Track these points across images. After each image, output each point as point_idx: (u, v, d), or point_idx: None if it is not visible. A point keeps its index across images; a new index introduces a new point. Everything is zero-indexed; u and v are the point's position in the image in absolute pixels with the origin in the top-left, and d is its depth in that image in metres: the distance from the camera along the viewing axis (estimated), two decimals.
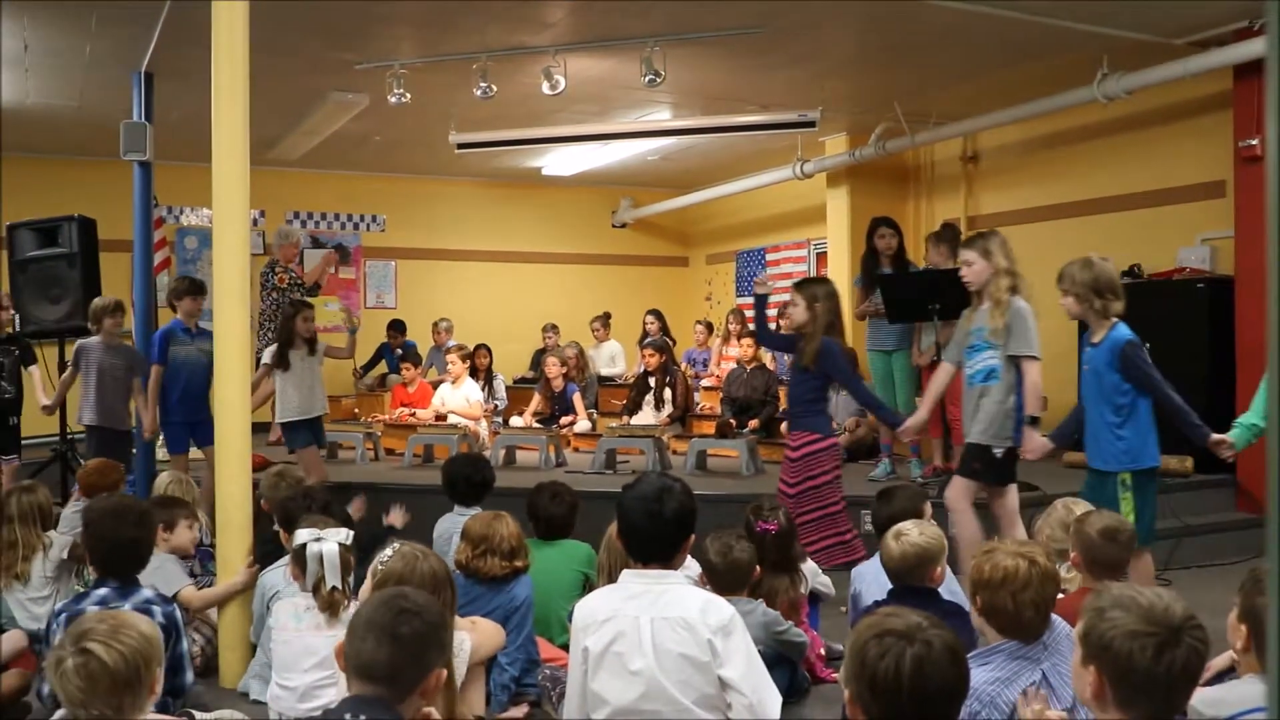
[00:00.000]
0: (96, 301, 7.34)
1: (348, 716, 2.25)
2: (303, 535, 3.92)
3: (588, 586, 4.65)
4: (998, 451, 5.15)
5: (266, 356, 7.57)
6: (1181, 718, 2.26)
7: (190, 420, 7.25)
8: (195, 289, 7.42)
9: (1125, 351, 4.83)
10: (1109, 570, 3.65)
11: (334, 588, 3.86)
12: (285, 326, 7.56)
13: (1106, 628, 2.15)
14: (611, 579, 4.11)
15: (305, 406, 7.42)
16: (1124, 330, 4.91)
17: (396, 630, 2.32)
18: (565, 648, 3.96)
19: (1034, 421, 5.13)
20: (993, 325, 5.22)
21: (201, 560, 5.35)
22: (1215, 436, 4.92)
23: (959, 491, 5.24)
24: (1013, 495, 5.24)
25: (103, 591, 3.70)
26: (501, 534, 4.26)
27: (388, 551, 3.42)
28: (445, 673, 2.46)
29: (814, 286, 5.75)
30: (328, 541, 3.86)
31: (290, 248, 9.96)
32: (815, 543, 5.50)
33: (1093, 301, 4.97)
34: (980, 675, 2.84)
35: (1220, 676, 3.78)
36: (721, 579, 4.11)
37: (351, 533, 3.95)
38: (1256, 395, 5.15)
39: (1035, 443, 5.12)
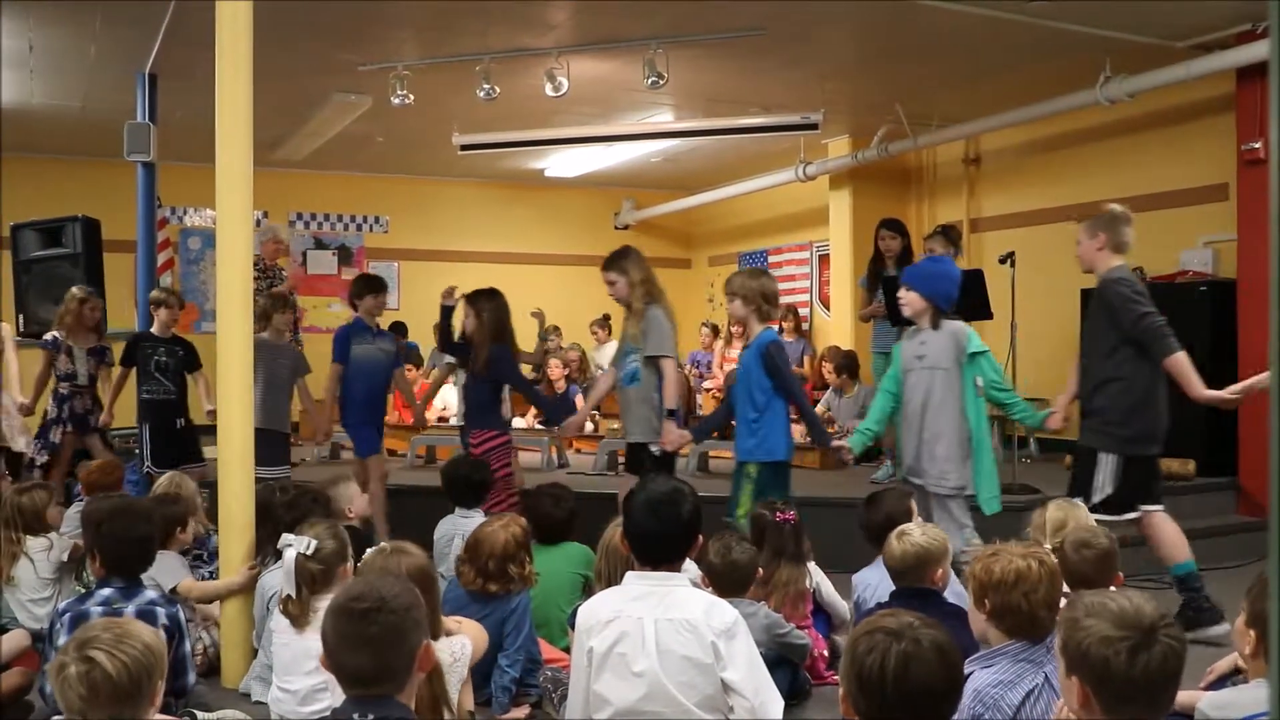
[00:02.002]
0: (264, 297, 7.14)
1: (355, 717, 2.25)
2: (284, 540, 3.90)
3: (587, 589, 4.65)
4: (654, 448, 5.61)
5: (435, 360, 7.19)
6: (1171, 718, 2.27)
7: (370, 422, 6.86)
8: (375, 286, 7.01)
9: (768, 350, 5.36)
10: (1084, 583, 3.57)
11: (288, 596, 3.85)
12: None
13: (1082, 636, 2.17)
14: (609, 584, 4.12)
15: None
16: (770, 334, 5.48)
17: (366, 634, 2.29)
18: (566, 650, 3.96)
19: (671, 414, 5.61)
20: (632, 332, 5.76)
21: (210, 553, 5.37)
22: (836, 442, 5.72)
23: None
24: None
25: (107, 592, 3.69)
26: (493, 548, 4.20)
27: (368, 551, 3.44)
28: (431, 643, 2.45)
29: (481, 299, 6.24)
30: (289, 550, 3.83)
31: (269, 244, 9.15)
32: None
33: (759, 306, 5.48)
34: (984, 677, 2.84)
35: (1223, 680, 3.79)
36: (721, 580, 4.11)
37: (314, 541, 3.85)
38: (874, 403, 5.62)
39: (673, 434, 5.59)
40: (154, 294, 7.40)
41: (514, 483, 6.24)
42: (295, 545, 3.85)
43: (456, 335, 6.54)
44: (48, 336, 7.45)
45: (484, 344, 6.17)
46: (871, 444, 5.67)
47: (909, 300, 5.37)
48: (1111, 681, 2.14)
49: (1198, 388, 4.93)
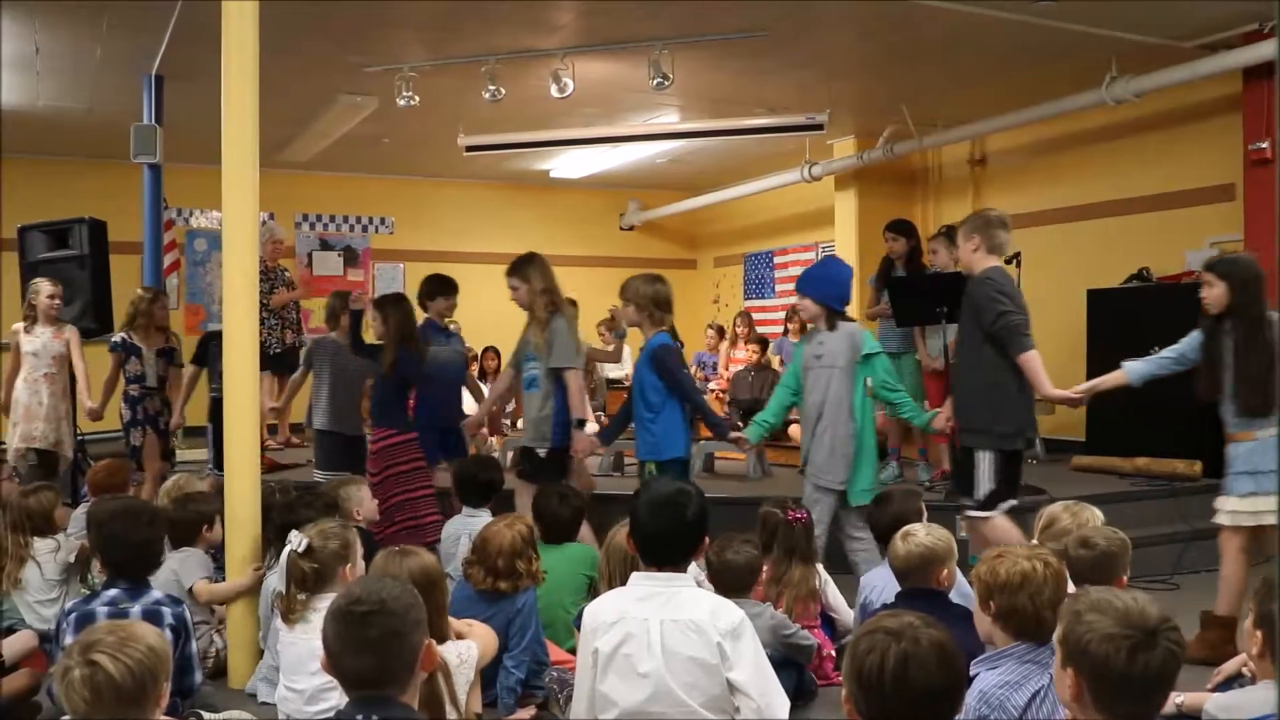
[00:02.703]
0: (331, 296, 6.97)
1: (359, 718, 2.26)
2: (288, 540, 3.90)
3: (592, 589, 4.65)
4: (540, 452, 5.87)
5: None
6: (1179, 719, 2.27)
7: (443, 427, 6.75)
8: (448, 287, 6.98)
9: (657, 353, 5.58)
10: (1088, 583, 3.58)
11: (277, 592, 3.86)
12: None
13: (1083, 631, 2.18)
14: (612, 585, 4.14)
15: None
16: (660, 338, 5.66)
17: (366, 636, 2.29)
18: (572, 651, 3.96)
19: (580, 424, 5.85)
20: (535, 340, 5.96)
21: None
22: (734, 434, 5.91)
23: (522, 491, 5.87)
24: None
25: (113, 592, 3.70)
26: (500, 548, 4.20)
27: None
28: (433, 643, 2.46)
29: (387, 305, 6.49)
30: (287, 548, 3.84)
31: (267, 245, 8.86)
32: (392, 525, 6.04)
33: (650, 311, 5.75)
34: (990, 679, 2.84)
35: (1229, 681, 3.78)
36: (723, 579, 4.11)
37: (306, 540, 3.85)
38: (773, 397, 5.85)
39: (582, 443, 5.85)
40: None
41: (427, 478, 6.37)
42: (290, 542, 3.86)
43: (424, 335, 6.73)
44: (115, 338, 7.33)
45: (390, 346, 6.39)
46: (768, 434, 5.92)
47: (803, 306, 5.68)
48: (1109, 679, 2.14)
49: (1046, 387, 5.03)
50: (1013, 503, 5.13)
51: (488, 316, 12.90)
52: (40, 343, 7.11)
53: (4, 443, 7.36)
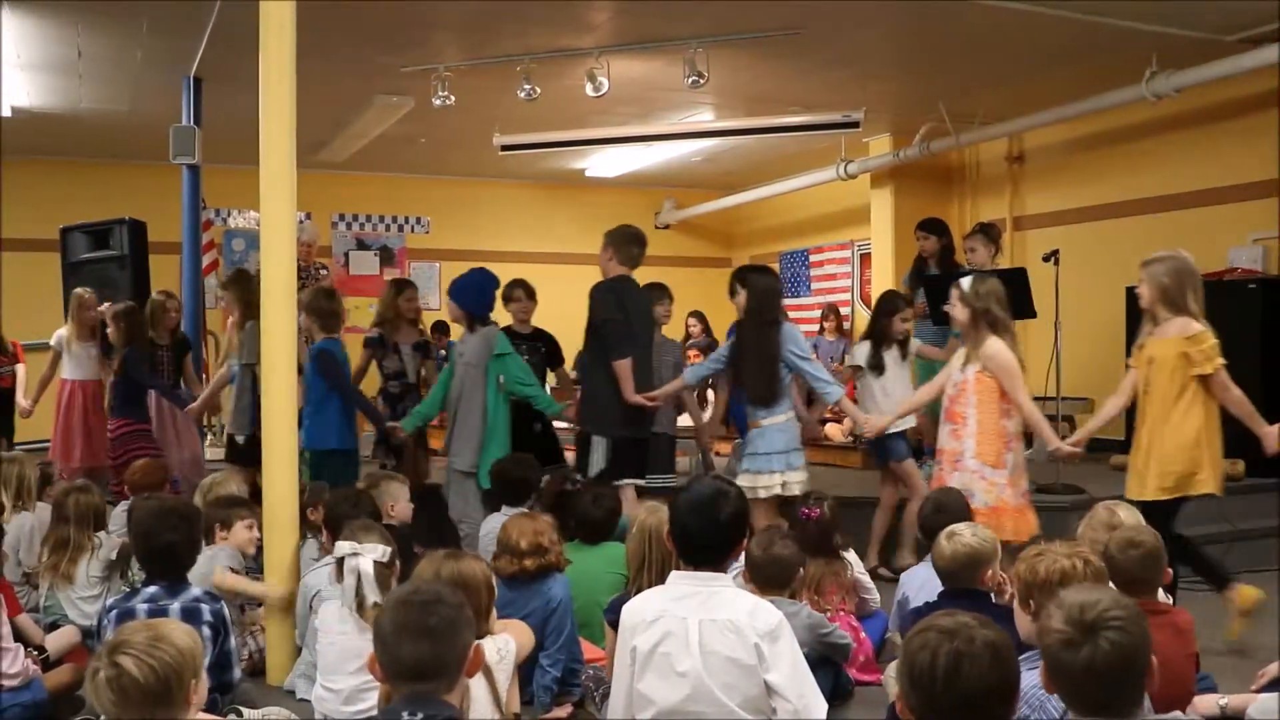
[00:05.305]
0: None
1: (405, 715, 2.27)
2: (343, 548, 3.89)
3: (628, 588, 4.65)
4: (240, 439, 6.75)
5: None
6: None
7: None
8: (513, 289, 7.03)
9: (319, 356, 6.25)
10: (1133, 584, 3.54)
11: (375, 603, 3.86)
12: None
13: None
14: (645, 567, 4.31)
15: None
16: (323, 344, 6.31)
17: (427, 624, 2.35)
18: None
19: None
20: (236, 341, 6.81)
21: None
22: (390, 425, 6.58)
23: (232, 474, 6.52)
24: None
25: (152, 589, 3.73)
26: (521, 530, 4.23)
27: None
28: (479, 645, 2.51)
29: (120, 314, 7.26)
30: (364, 559, 3.83)
31: (300, 247, 8.96)
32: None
33: (322, 320, 6.36)
34: (1030, 679, 2.81)
35: (1274, 684, 3.73)
36: (761, 573, 4.09)
37: (389, 549, 3.89)
38: (433, 390, 6.52)
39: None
40: (507, 288, 7.04)
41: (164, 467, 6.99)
42: (367, 553, 3.84)
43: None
44: (372, 334, 7.28)
45: (120, 348, 7.28)
46: (423, 425, 6.66)
47: (449, 310, 6.43)
48: (1056, 672, 2.21)
49: (629, 392, 5.89)
50: (639, 481, 6.08)
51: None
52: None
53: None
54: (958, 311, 5.37)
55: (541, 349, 7.04)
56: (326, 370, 6.27)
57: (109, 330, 7.38)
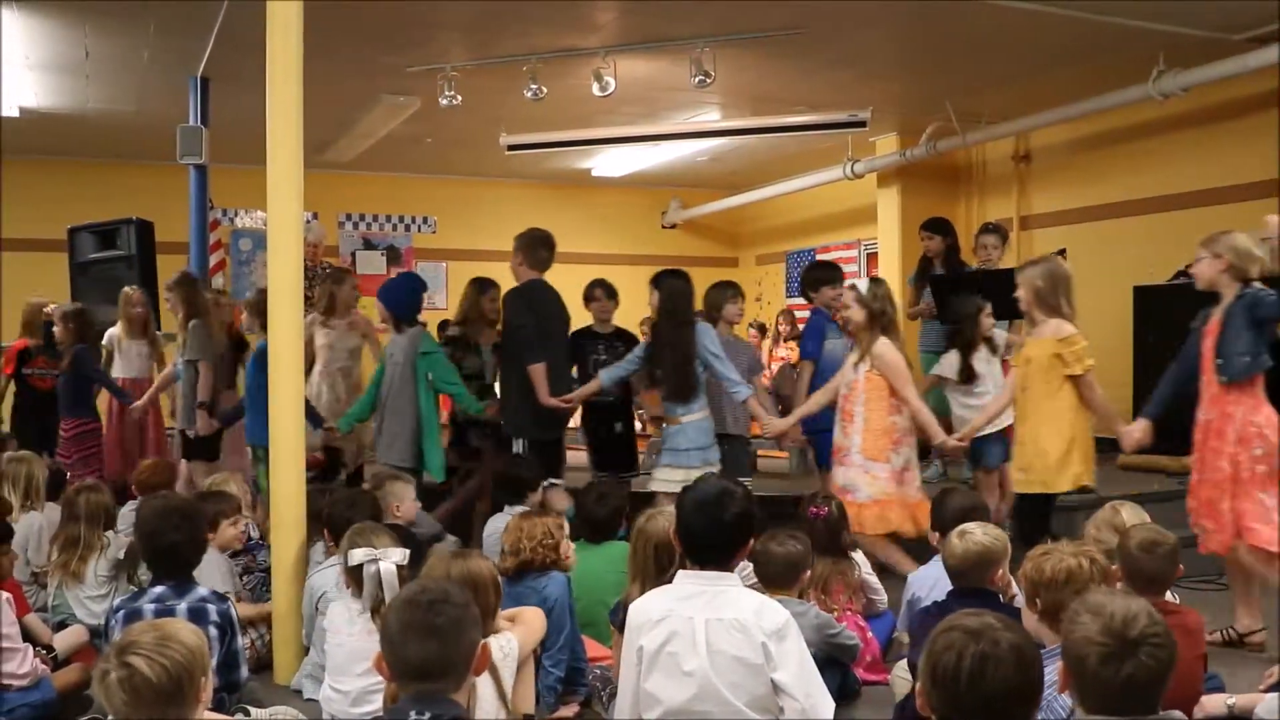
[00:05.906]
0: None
1: (413, 714, 2.27)
2: (358, 555, 3.85)
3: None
4: (191, 433, 6.89)
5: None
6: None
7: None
8: (594, 290, 6.92)
9: (262, 354, 5.91)
10: (1151, 583, 3.55)
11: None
12: None
13: (1073, 629, 2.24)
14: (644, 569, 4.09)
15: None
16: (266, 343, 6.08)
17: (433, 623, 2.36)
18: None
19: (204, 405, 6.79)
20: (182, 337, 6.93)
21: (253, 553, 5.41)
22: (327, 425, 6.53)
23: (196, 469, 6.87)
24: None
25: (159, 589, 3.73)
26: (531, 528, 4.19)
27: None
28: (486, 644, 2.51)
29: (68, 316, 7.45)
30: (385, 563, 3.81)
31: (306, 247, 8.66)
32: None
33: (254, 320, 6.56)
34: None
35: None
36: (768, 570, 4.08)
37: (408, 551, 3.90)
38: (367, 389, 6.56)
39: (204, 423, 6.80)
40: (587, 288, 6.94)
41: (100, 462, 7.44)
42: (388, 557, 3.82)
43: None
44: (454, 331, 7.09)
45: (69, 350, 7.43)
46: (356, 423, 6.57)
47: (378, 312, 6.48)
48: (1084, 678, 2.20)
49: (543, 396, 6.04)
50: (555, 481, 5.97)
51: None
52: (336, 335, 7.06)
53: None
54: (853, 313, 5.63)
55: (620, 347, 6.77)
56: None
57: (55, 330, 7.52)
